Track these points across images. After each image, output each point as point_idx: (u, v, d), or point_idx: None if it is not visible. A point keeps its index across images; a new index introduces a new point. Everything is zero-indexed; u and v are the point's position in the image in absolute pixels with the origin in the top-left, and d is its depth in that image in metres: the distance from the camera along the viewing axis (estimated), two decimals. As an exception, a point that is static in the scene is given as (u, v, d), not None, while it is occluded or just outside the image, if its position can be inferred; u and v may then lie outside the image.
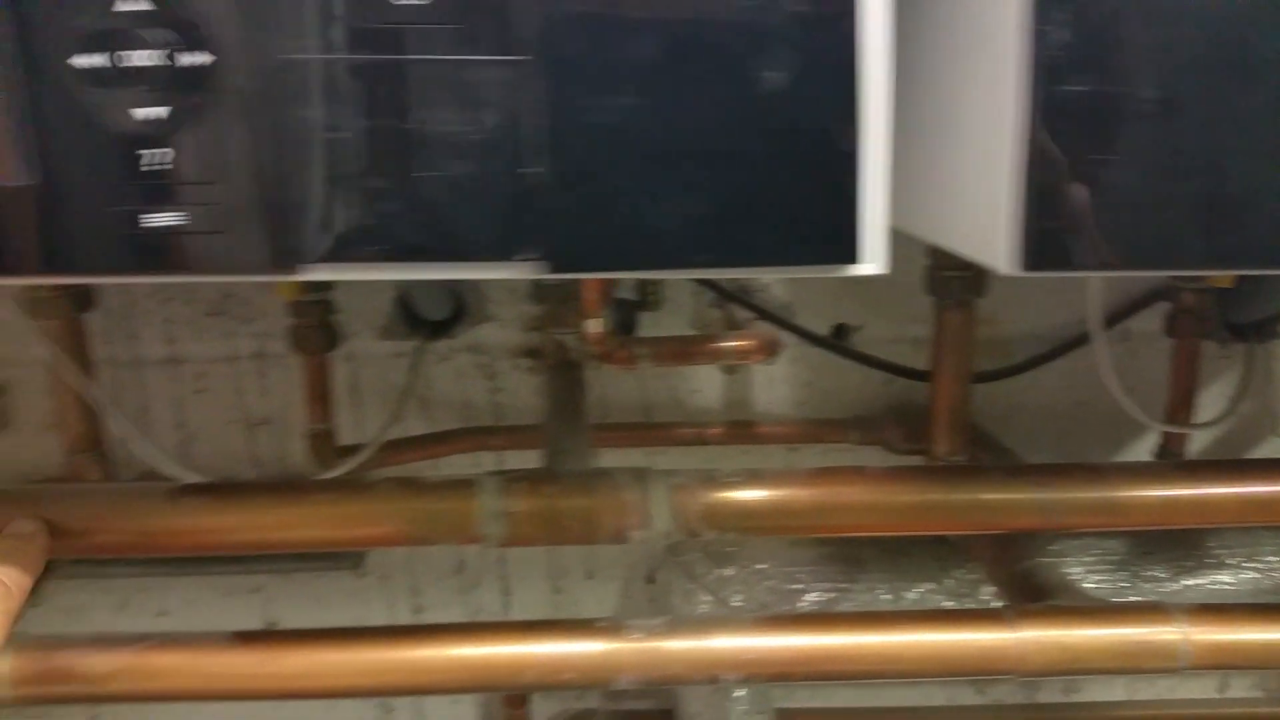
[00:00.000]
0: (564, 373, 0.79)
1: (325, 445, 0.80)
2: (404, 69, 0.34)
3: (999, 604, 0.74)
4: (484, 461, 0.87)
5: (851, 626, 0.60)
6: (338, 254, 0.36)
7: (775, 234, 0.36)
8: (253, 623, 0.90)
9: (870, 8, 0.35)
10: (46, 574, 0.68)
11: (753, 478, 0.59)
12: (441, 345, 0.86)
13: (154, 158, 0.34)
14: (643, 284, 0.82)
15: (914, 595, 0.85)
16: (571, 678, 0.58)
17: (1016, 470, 0.60)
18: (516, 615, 0.91)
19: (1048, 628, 0.59)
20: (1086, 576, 0.84)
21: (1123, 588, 0.85)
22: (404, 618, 0.91)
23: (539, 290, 0.80)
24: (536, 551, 0.91)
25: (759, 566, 0.85)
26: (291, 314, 0.76)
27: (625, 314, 0.80)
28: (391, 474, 0.70)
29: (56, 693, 0.56)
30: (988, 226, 0.38)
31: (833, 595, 0.85)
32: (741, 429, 0.86)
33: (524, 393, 0.88)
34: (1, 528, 0.54)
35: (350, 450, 0.81)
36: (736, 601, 0.83)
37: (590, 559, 0.92)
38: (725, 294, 0.78)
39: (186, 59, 0.33)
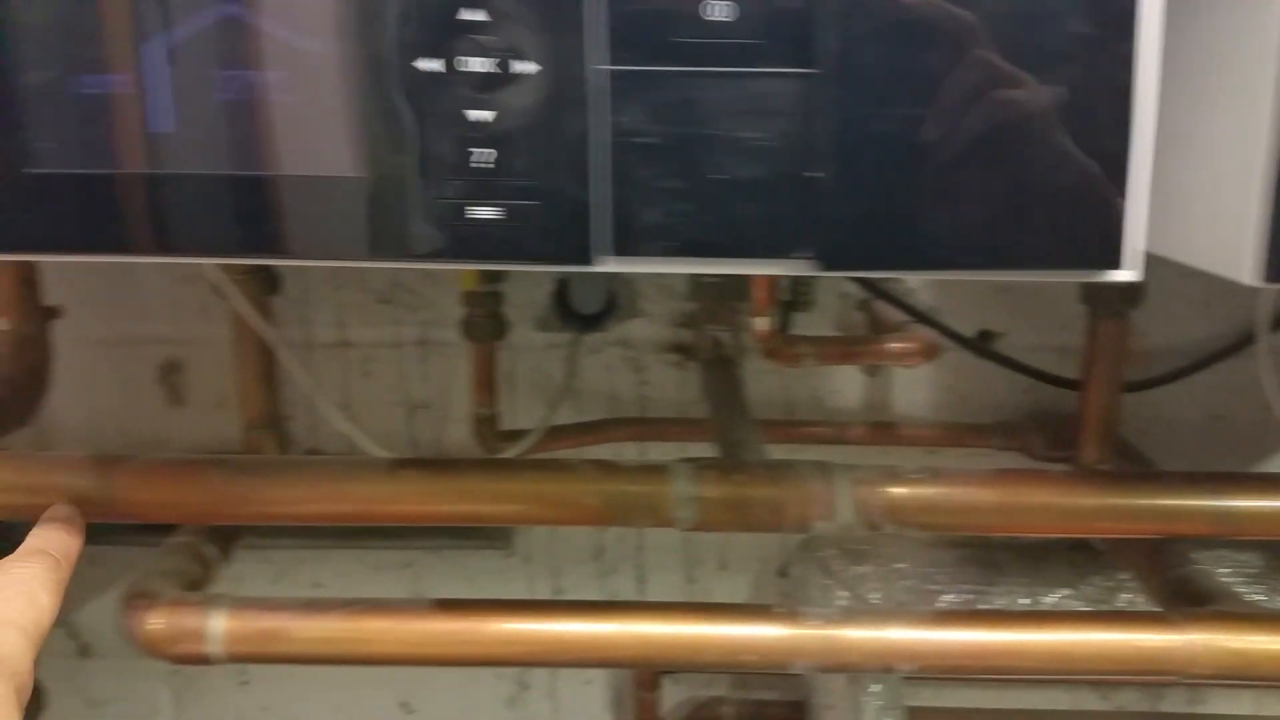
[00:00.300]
0: (719, 368, 0.82)
1: (488, 429, 0.83)
2: (707, 80, 0.37)
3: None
4: (625, 452, 0.90)
5: (1023, 624, 0.62)
6: (632, 248, 0.39)
7: (1044, 240, 0.38)
8: (403, 595, 0.94)
9: (1147, 30, 0.37)
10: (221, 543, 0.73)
11: (934, 475, 0.61)
12: (592, 338, 0.89)
13: (481, 156, 0.37)
14: (795, 285, 0.84)
15: (1051, 600, 0.87)
16: (751, 660, 0.61)
17: (1191, 477, 0.61)
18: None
19: (1216, 631, 0.60)
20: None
21: (1260, 600, 0.85)
22: (544, 597, 0.94)
23: (697, 288, 0.83)
24: (672, 540, 0.94)
25: (897, 565, 0.87)
26: (465, 304, 0.80)
27: (782, 314, 0.83)
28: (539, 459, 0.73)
29: (266, 652, 0.60)
30: (1230, 239, 0.40)
31: (970, 597, 0.87)
32: (882, 430, 0.88)
33: (668, 386, 0.90)
34: (218, 494, 0.58)
35: (510, 435, 0.84)
36: (874, 599, 0.85)
37: (724, 550, 0.95)
38: (884, 296, 0.80)
39: (517, 67, 0.36)
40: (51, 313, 0.76)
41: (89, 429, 0.87)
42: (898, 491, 0.60)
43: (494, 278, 0.79)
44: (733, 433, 0.69)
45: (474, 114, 0.37)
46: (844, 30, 0.37)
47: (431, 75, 0.36)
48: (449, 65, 0.36)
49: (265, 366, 0.80)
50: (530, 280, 0.85)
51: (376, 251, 0.38)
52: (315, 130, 0.37)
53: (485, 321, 0.80)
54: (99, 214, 0.38)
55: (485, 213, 0.38)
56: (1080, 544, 0.89)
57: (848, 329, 0.88)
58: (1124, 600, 0.86)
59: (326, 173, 0.37)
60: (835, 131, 0.38)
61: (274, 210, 0.38)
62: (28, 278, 0.74)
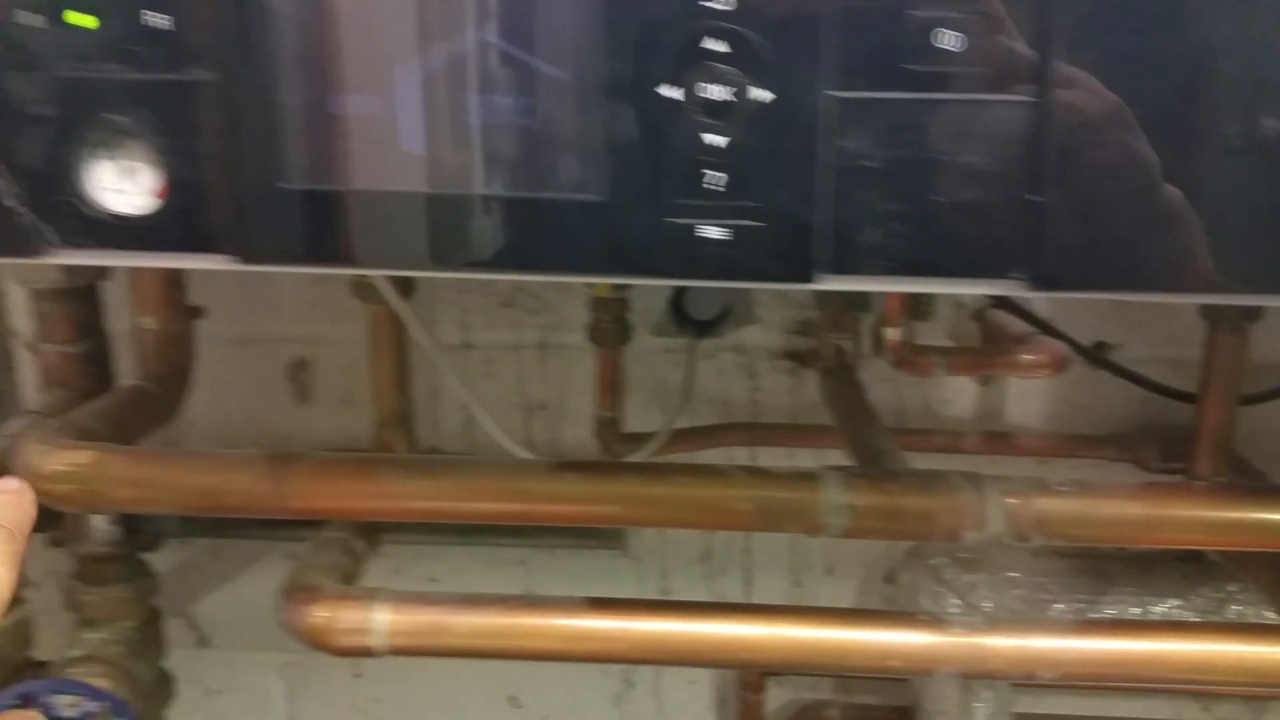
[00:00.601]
0: (840, 376, 0.83)
1: (611, 432, 0.85)
2: (933, 106, 0.38)
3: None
4: (737, 456, 0.92)
5: (1162, 634, 0.62)
6: (851, 267, 0.40)
7: (1255, 264, 0.39)
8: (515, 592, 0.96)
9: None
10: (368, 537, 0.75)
11: (1082, 488, 0.62)
12: (707, 344, 0.90)
13: (713, 178, 0.39)
14: (915, 297, 0.85)
15: (1161, 610, 0.87)
16: (896, 665, 0.62)
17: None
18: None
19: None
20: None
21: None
22: (653, 597, 0.96)
23: (822, 297, 0.84)
24: (780, 544, 0.95)
25: (1009, 574, 0.88)
26: (592, 309, 0.82)
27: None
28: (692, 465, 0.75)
29: (426, 645, 0.62)
30: None
31: (1081, 606, 0.87)
32: (997, 440, 0.89)
33: (780, 392, 0.92)
34: (389, 492, 0.60)
35: (629, 438, 0.86)
36: (986, 607, 0.86)
37: (831, 555, 0.96)
38: (1008, 307, 0.81)
39: (752, 94, 0.38)
40: (195, 312, 0.78)
41: (218, 425, 0.90)
42: (1047, 503, 0.61)
43: (622, 285, 0.80)
44: (871, 441, 0.70)
45: (709, 138, 0.38)
46: (1068, 60, 0.38)
47: (671, 102, 0.38)
48: (688, 92, 0.38)
49: (399, 367, 0.82)
50: (650, 287, 0.87)
51: (610, 268, 0.40)
52: (557, 153, 0.39)
53: (612, 327, 0.82)
54: (347, 228, 0.39)
55: (714, 232, 0.39)
56: (1190, 554, 0.89)
57: (959, 339, 0.88)
58: (1234, 612, 0.86)
59: (566, 194, 0.39)
60: (1056, 157, 0.39)
61: (516, 228, 0.39)
62: (174, 279, 0.77)
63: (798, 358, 0.90)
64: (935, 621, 0.62)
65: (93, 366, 0.76)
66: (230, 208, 0.39)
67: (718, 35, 0.37)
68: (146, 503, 0.60)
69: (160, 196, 0.39)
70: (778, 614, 0.62)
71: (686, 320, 0.90)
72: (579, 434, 0.90)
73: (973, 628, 0.62)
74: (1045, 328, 0.81)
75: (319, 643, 0.62)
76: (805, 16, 0.37)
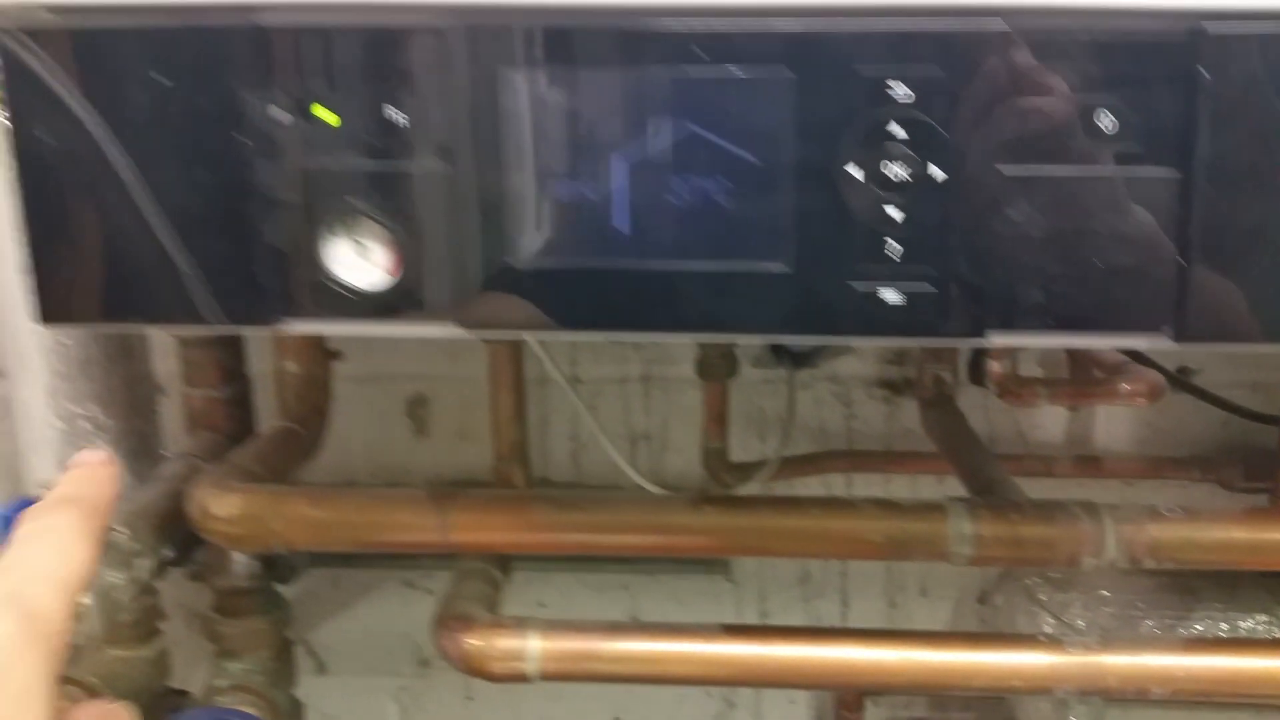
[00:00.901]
0: (941, 405, 0.87)
1: (719, 461, 0.89)
2: (1092, 179, 0.42)
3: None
4: (834, 484, 0.96)
5: (1271, 651, 0.66)
6: (1016, 324, 0.44)
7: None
8: (619, 617, 1.00)
9: None
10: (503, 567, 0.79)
11: (1191, 515, 0.65)
12: (804, 374, 0.94)
13: (893, 248, 0.43)
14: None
15: (1248, 625, 0.90)
16: (1017, 685, 0.66)
17: None
18: (853, 626, 0.99)
19: None
20: None
21: None
22: (751, 620, 1.00)
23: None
24: (875, 566, 0.99)
25: (1101, 592, 0.91)
26: (701, 345, 0.86)
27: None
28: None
29: (576, 671, 0.66)
30: None
31: (1170, 623, 0.91)
32: (1086, 464, 0.92)
33: (876, 420, 0.96)
34: (543, 526, 0.64)
35: (736, 467, 0.90)
36: (1079, 625, 0.90)
37: (925, 577, 0.99)
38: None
39: (931, 171, 0.42)
40: (334, 355, 0.83)
41: (341, 459, 0.94)
42: (1158, 529, 0.64)
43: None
44: (983, 471, 0.74)
45: (889, 210, 0.42)
46: (1212, 137, 0.42)
47: (855, 180, 0.42)
48: (871, 171, 0.42)
49: (516, 402, 0.86)
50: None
51: (797, 329, 0.44)
52: (750, 226, 0.43)
53: (720, 361, 0.86)
54: (562, 299, 0.44)
55: (893, 296, 0.43)
56: (1275, 571, 0.92)
57: (1049, 367, 0.92)
58: (1320, 629, 0.89)
59: (759, 263, 0.43)
60: (1201, 224, 0.43)
61: (712, 296, 0.43)
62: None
63: (891, 386, 0.94)
64: (1054, 642, 0.66)
65: (237, 409, 0.81)
66: (456, 282, 0.44)
67: (899, 122, 0.42)
68: (316, 541, 0.64)
69: (393, 273, 0.44)
70: (914, 640, 0.65)
71: (784, 352, 0.94)
72: (681, 463, 0.94)
73: (1089, 647, 0.66)
74: (1135, 355, 0.84)
75: (476, 669, 0.66)
76: (978, 105, 0.41)
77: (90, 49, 0.42)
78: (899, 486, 0.94)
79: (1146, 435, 0.94)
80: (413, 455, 0.96)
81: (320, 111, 0.43)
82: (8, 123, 0.43)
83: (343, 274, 0.44)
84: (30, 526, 0.37)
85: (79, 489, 0.39)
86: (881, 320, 0.44)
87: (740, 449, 0.93)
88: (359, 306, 0.44)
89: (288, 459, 0.76)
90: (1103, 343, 0.45)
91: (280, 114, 0.43)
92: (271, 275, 0.44)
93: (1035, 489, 0.95)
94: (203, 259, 0.44)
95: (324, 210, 0.43)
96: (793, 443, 0.95)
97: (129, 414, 0.77)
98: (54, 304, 0.45)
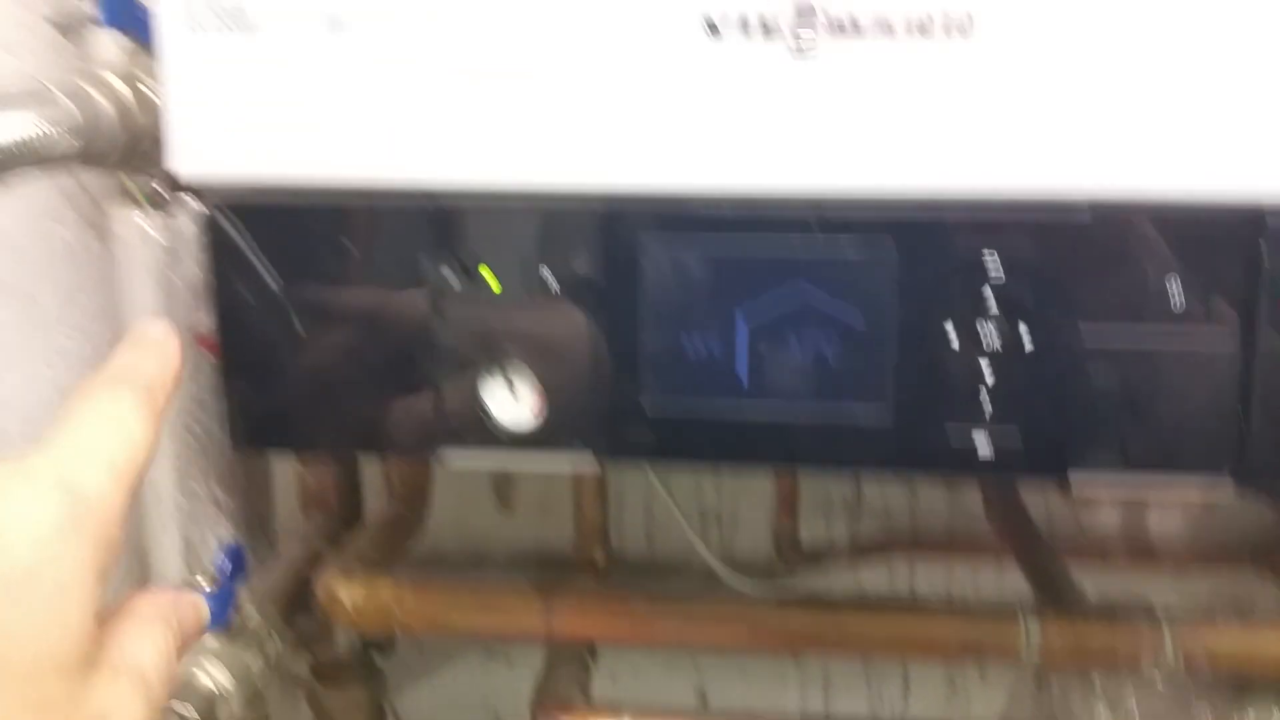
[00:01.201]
0: (1005, 497, 0.91)
1: (789, 543, 0.94)
2: (1161, 348, 0.48)
3: None
4: (898, 568, 1.00)
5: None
6: (1096, 466, 0.49)
7: None
8: (688, 694, 1.05)
9: None
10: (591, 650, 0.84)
11: (1246, 624, 0.70)
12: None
13: (984, 400, 0.48)
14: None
15: (1298, 718, 0.94)
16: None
17: None
18: (914, 708, 1.04)
19: None
20: None
21: None
22: (815, 701, 1.04)
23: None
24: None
25: (1156, 682, 0.95)
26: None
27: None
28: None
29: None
30: None
31: (1223, 712, 0.94)
32: (1140, 551, 0.97)
33: (939, 505, 1.00)
34: (640, 621, 0.70)
35: (807, 552, 0.95)
36: (1134, 713, 0.94)
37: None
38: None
39: (1020, 336, 0.47)
40: (434, 441, 0.89)
41: (430, 530, 1.01)
42: (1215, 638, 0.69)
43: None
44: (1047, 568, 0.78)
45: (983, 366, 0.48)
46: (1269, 307, 0.47)
47: (951, 341, 0.48)
48: (967, 334, 0.48)
49: (599, 481, 0.92)
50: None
51: (897, 467, 0.50)
52: (856, 377, 0.49)
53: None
54: (689, 438, 0.50)
55: (984, 440, 0.49)
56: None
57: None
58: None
59: (863, 406, 0.49)
60: (1261, 379, 0.48)
61: (821, 438, 0.49)
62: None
63: (953, 475, 0.99)
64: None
65: (348, 491, 0.87)
66: (593, 422, 0.50)
67: (994, 292, 0.47)
68: (433, 628, 0.70)
69: (538, 414, 0.50)
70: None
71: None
72: (751, 543, 0.99)
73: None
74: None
75: (575, 751, 0.72)
76: (1062, 286, 0.47)
77: (286, 220, 0.49)
78: (961, 574, 0.98)
79: (1199, 521, 0.98)
80: (498, 530, 1.02)
81: (485, 273, 0.49)
82: (210, 278, 0.50)
83: (496, 413, 0.50)
84: (84, 404, 0.33)
85: (138, 365, 0.35)
86: (975, 462, 0.49)
87: (807, 529, 0.97)
88: (508, 441, 0.50)
89: (399, 542, 0.82)
90: (1169, 481, 0.49)
91: (451, 275, 0.49)
92: (435, 412, 0.50)
93: (1091, 577, 1.00)
94: (376, 397, 0.50)
95: (483, 357, 0.49)
96: (858, 524, 1.00)
97: (247, 493, 0.83)
98: (244, 431, 0.52)
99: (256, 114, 0.48)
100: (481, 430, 0.50)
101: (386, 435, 0.51)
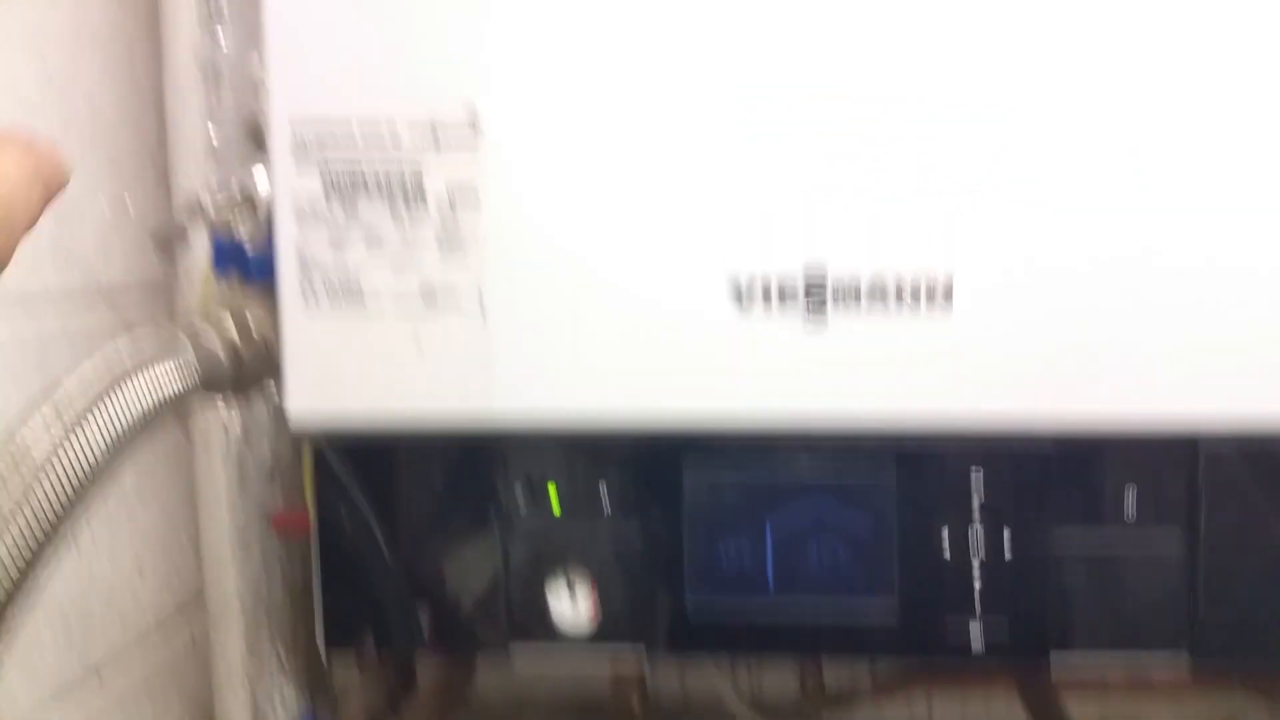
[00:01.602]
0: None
1: (815, 684, 1.01)
2: (1119, 553, 0.56)
3: None
4: (916, 701, 1.07)
5: None
6: (1073, 647, 0.57)
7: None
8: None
9: None
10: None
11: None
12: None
13: (976, 593, 0.57)
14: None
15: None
16: None
17: None
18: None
19: None
20: None
21: None
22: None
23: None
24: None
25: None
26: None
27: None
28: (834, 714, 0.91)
29: None
30: None
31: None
32: (1135, 678, 1.03)
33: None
34: None
35: (831, 695, 1.02)
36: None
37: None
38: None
39: (1002, 544, 0.56)
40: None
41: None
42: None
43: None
44: (1042, 701, 0.86)
45: (974, 565, 0.57)
46: (1210, 510, 0.56)
47: (943, 545, 0.56)
48: (958, 540, 0.56)
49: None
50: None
51: (899, 651, 0.58)
52: (867, 579, 0.57)
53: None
54: (724, 633, 0.58)
55: (977, 629, 0.57)
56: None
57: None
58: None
59: (869, 599, 0.57)
60: (1206, 572, 0.56)
61: (836, 631, 0.58)
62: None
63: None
64: None
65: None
66: (641, 623, 0.58)
67: (980, 511, 0.56)
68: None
69: (593, 619, 0.58)
70: None
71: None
72: (778, 684, 1.06)
73: None
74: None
75: None
76: (1034, 511, 0.56)
77: (378, 456, 0.58)
78: (975, 704, 1.05)
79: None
80: (539, 677, 1.09)
81: (551, 492, 0.58)
82: (314, 503, 0.59)
83: (557, 618, 0.58)
84: None
85: (29, 139, 0.33)
86: (968, 648, 0.57)
87: (830, 671, 1.05)
88: (568, 640, 0.59)
89: (452, 703, 0.90)
90: (1133, 658, 0.58)
91: (520, 498, 0.58)
92: (505, 617, 0.59)
93: (1085, 702, 1.06)
94: (454, 602, 0.59)
95: (548, 569, 0.58)
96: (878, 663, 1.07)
97: (308, 654, 0.91)
98: (336, 632, 0.61)
99: (357, 370, 0.57)
100: (545, 631, 0.59)
101: (461, 635, 0.59)
